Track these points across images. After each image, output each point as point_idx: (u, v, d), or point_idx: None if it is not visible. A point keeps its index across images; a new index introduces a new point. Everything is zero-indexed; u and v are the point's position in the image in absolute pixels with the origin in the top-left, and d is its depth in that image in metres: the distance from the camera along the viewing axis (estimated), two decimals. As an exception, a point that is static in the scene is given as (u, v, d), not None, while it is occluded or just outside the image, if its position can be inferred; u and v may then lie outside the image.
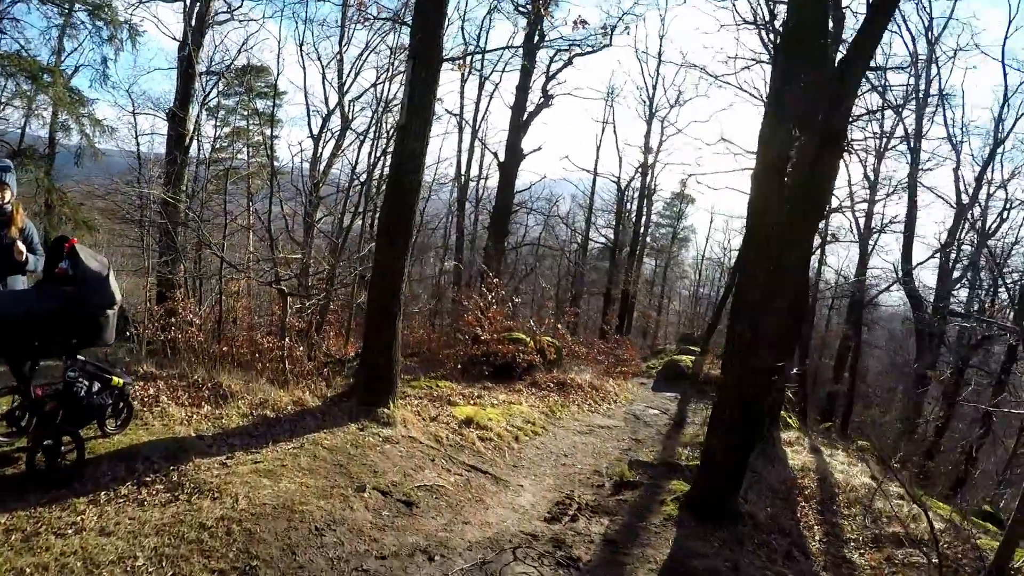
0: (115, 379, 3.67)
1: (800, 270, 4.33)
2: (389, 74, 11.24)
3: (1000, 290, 14.24)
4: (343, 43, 13.13)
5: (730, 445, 4.35)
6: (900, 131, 14.74)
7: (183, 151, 13.11)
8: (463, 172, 19.03)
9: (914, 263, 15.08)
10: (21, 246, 3.52)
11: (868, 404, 16.77)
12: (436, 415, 5.98)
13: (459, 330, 10.78)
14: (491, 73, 18.51)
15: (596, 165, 22.13)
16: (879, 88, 11.22)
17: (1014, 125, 14.55)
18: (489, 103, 25.15)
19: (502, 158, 16.77)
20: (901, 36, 15.32)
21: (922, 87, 14.42)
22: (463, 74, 16.51)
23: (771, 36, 9.41)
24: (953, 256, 14.91)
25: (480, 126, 18.90)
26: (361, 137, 12.06)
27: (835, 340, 18.27)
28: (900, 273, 15.16)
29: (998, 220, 14.53)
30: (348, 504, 3.65)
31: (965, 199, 14.72)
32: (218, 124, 17.32)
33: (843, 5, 7.10)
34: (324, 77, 13.85)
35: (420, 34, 5.36)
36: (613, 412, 8.81)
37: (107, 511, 3.01)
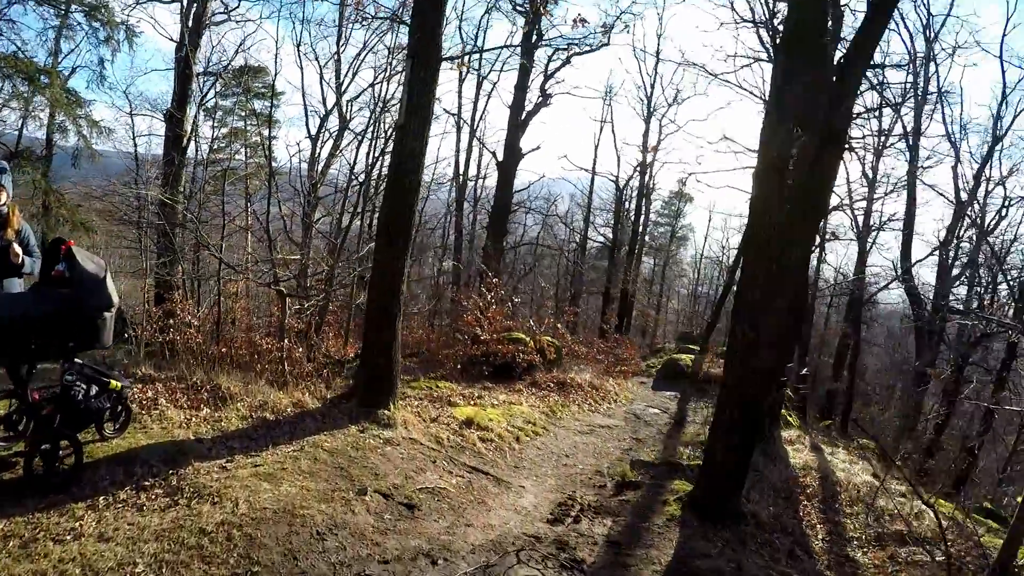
0: (113, 382, 3.64)
1: (800, 270, 4.32)
2: (387, 74, 11.17)
3: (1000, 287, 14.25)
4: (341, 43, 13.05)
5: (731, 445, 4.34)
6: (899, 129, 14.72)
7: (181, 152, 13.06)
8: (461, 172, 18.96)
9: (913, 260, 15.09)
10: (17, 248, 3.48)
11: (867, 402, 16.82)
12: (436, 416, 5.95)
13: (458, 330, 10.75)
14: (489, 72, 18.48)
15: (594, 164, 21.97)
16: (878, 86, 11.18)
17: (1013, 122, 14.65)
18: (487, 102, 25.02)
19: (500, 157, 16.75)
20: (899, 34, 15.27)
21: (921, 84, 14.41)
22: (461, 73, 16.45)
23: (770, 35, 9.40)
24: (952, 253, 14.89)
25: (478, 125, 18.88)
26: (359, 137, 11.98)
27: (834, 338, 18.26)
28: (899, 271, 15.16)
29: (997, 217, 14.57)
30: (349, 507, 3.63)
31: (964, 196, 14.73)
32: (216, 125, 17.22)
33: (842, 3, 7.09)
34: (322, 77, 13.84)
35: (419, 33, 5.36)
36: (613, 411, 8.80)
37: (106, 516, 2.98)
